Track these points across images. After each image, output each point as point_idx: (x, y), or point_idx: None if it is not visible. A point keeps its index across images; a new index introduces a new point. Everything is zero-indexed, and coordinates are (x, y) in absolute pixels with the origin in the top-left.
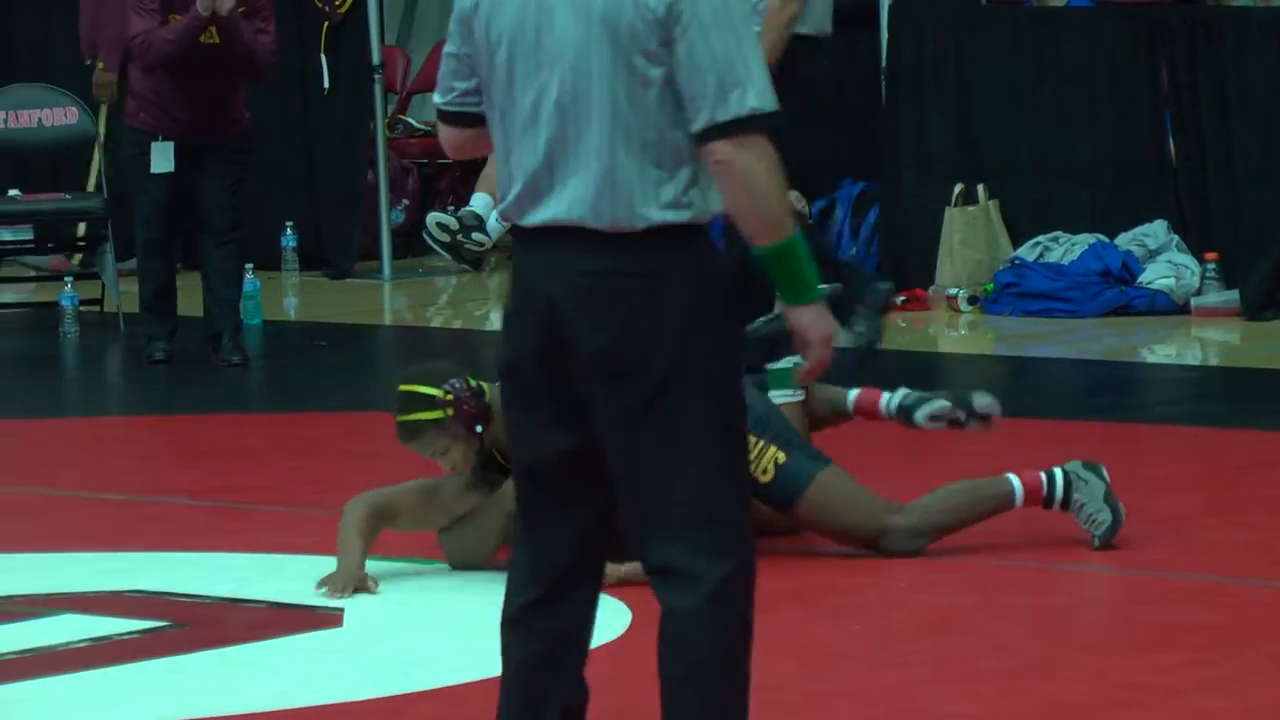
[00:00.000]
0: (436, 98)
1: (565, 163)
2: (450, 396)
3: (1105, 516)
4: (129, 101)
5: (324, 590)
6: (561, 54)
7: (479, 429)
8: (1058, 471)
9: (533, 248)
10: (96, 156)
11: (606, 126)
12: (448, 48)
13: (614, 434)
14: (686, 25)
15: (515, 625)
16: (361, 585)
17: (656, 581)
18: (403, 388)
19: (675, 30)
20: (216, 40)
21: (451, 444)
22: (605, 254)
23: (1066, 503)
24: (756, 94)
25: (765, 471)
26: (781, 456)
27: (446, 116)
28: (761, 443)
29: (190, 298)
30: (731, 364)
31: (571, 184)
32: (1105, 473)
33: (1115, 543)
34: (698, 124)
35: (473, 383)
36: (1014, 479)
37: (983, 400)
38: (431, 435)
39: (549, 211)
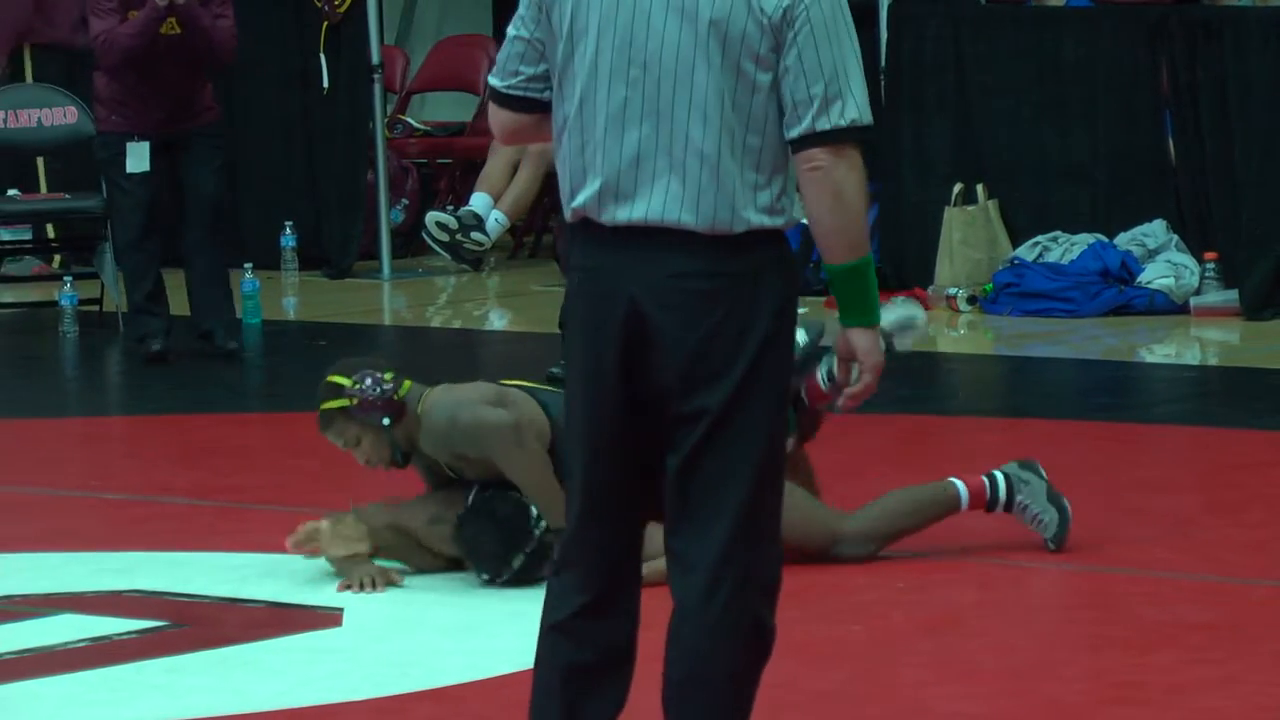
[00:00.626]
0: (496, 80)
1: (658, 162)
2: (356, 386)
3: (1051, 516)
4: (98, 108)
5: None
6: (660, 54)
7: (386, 421)
8: (998, 474)
9: (614, 248)
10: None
11: (715, 129)
12: (516, 30)
13: (684, 432)
14: (799, 31)
15: (564, 632)
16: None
17: (677, 574)
18: (326, 379)
19: (788, 36)
20: (178, 30)
21: (361, 433)
22: (700, 255)
23: (1010, 505)
24: (857, 105)
25: None
26: None
27: (507, 100)
28: None
29: (176, 296)
30: (789, 372)
31: (665, 184)
32: (1042, 470)
33: (1068, 546)
34: (798, 130)
35: (388, 376)
36: (959, 483)
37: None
38: (340, 424)
39: (637, 211)
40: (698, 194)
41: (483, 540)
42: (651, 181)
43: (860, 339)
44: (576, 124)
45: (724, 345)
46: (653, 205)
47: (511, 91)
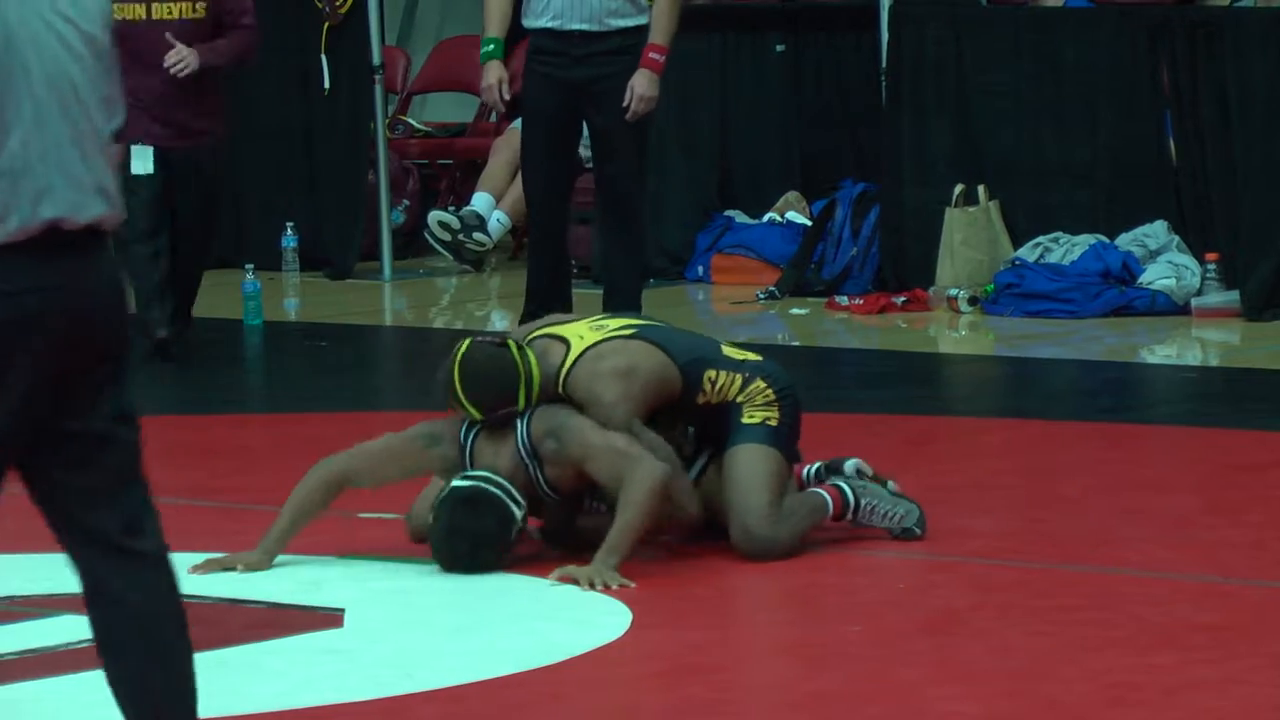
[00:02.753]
0: None
1: None
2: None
3: (905, 506)
4: None
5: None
6: None
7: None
8: (842, 483)
9: None
10: None
11: None
12: None
13: None
14: None
15: None
16: (254, 566)
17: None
18: (446, 371)
19: None
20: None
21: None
22: None
23: (858, 509)
24: None
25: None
26: (774, 419)
27: None
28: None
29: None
30: None
31: None
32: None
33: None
34: None
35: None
36: (824, 493)
37: None
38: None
39: None
40: None
41: (455, 541)
42: None
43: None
44: None
45: None
46: None
47: None
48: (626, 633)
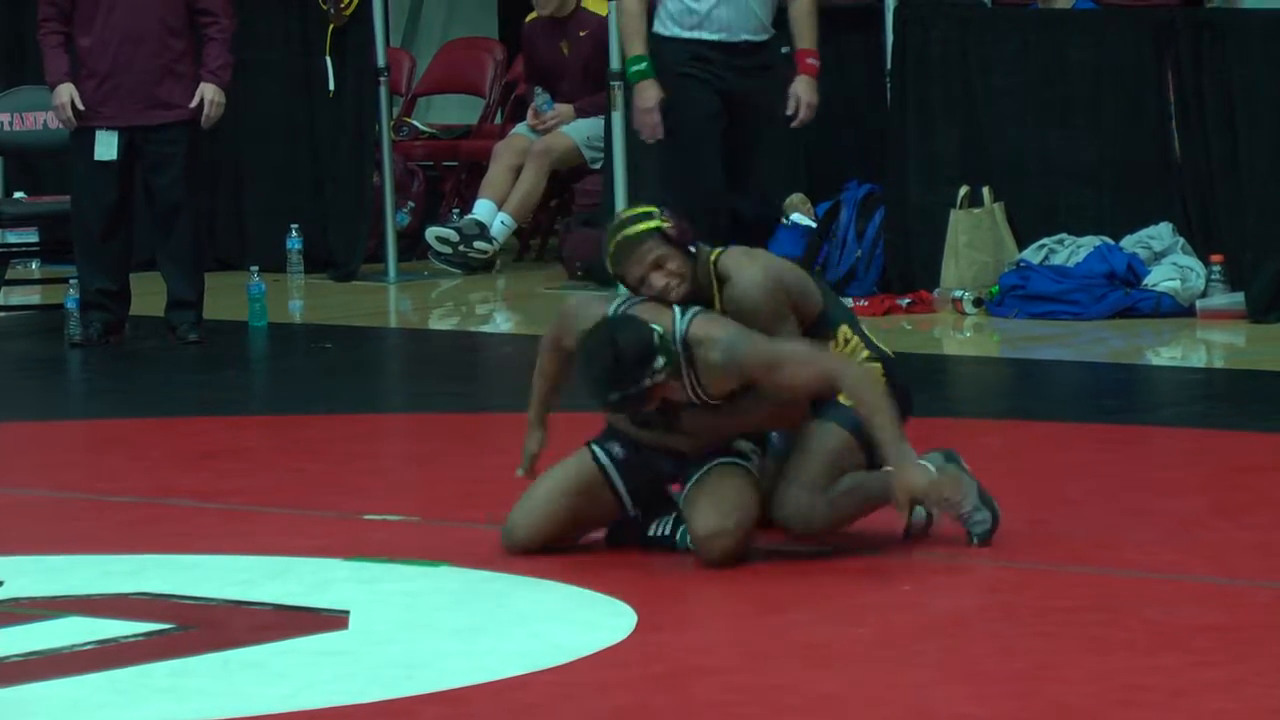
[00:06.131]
0: None
1: None
2: (666, 211)
3: (984, 515)
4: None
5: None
6: None
7: (692, 249)
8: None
9: None
10: None
11: None
12: None
13: None
14: None
15: None
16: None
17: None
18: (621, 217)
19: None
20: None
21: (669, 255)
22: None
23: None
24: None
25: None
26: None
27: None
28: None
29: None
30: None
31: None
32: (966, 465)
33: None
34: None
35: None
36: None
37: None
38: (652, 243)
39: None
40: None
41: (594, 362)
42: None
43: None
44: None
45: None
46: None
47: None
48: (632, 634)
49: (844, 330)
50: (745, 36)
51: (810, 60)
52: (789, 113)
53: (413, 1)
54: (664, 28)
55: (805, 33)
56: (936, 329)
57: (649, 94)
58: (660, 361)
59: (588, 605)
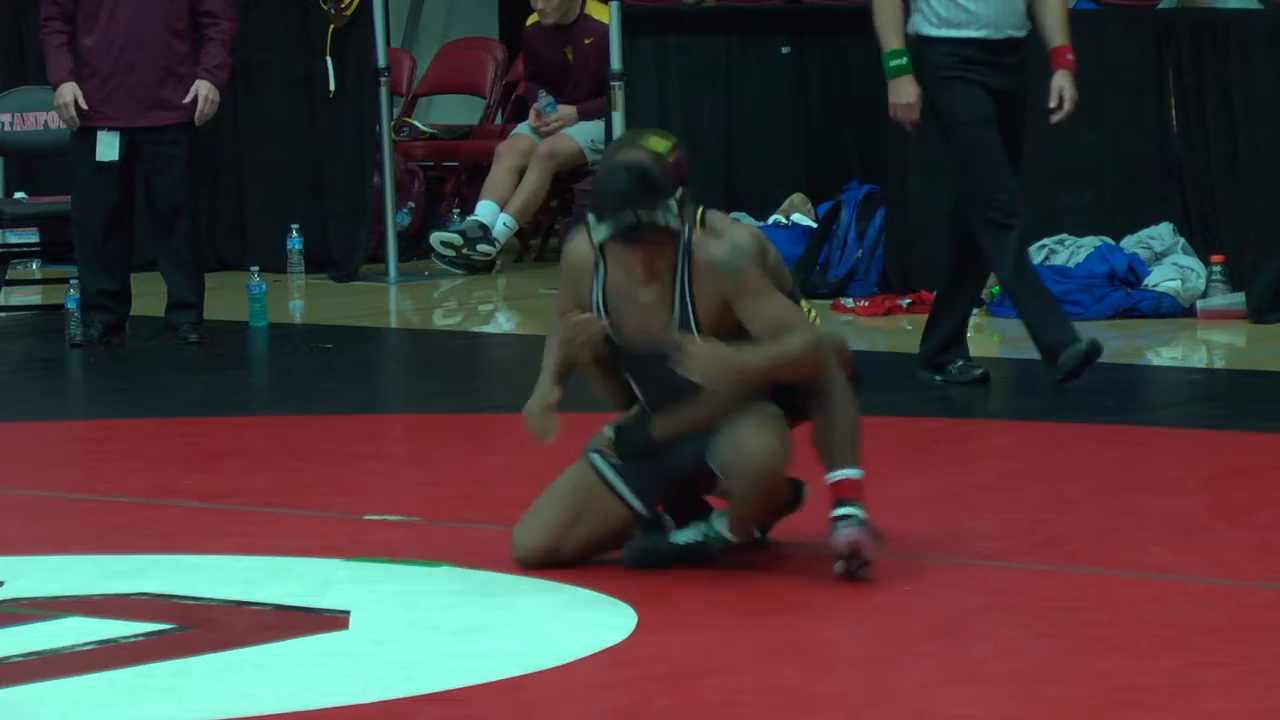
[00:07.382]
0: None
1: None
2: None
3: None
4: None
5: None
6: None
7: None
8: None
9: None
10: None
11: None
12: None
13: None
14: None
15: None
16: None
17: None
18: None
19: None
20: None
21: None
22: None
23: None
24: None
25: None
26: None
27: None
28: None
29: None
30: None
31: None
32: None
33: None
34: None
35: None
36: None
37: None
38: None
39: None
40: None
41: (617, 175)
42: None
43: None
44: None
45: None
46: None
47: None
48: (632, 634)
49: (804, 305)
50: (1010, 33)
51: (1070, 55)
52: (1052, 105)
53: (413, 2)
54: (929, 27)
55: (1061, 28)
56: None
57: (908, 90)
58: (674, 206)
59: (588, 605)
